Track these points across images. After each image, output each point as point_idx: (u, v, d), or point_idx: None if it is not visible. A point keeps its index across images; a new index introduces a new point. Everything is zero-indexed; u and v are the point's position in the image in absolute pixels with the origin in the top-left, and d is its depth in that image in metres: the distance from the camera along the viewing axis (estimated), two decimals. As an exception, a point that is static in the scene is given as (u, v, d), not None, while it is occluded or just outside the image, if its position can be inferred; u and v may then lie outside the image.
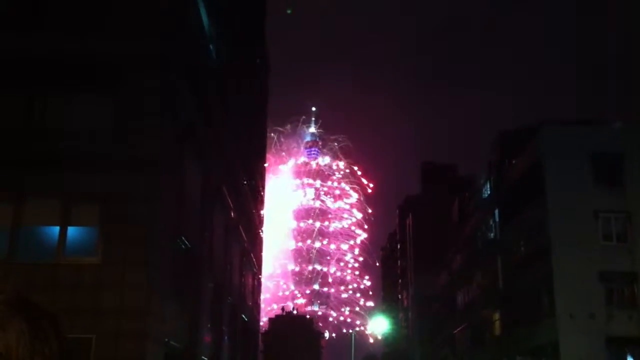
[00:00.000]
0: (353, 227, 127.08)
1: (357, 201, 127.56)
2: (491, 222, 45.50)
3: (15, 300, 1.08)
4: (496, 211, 43.89)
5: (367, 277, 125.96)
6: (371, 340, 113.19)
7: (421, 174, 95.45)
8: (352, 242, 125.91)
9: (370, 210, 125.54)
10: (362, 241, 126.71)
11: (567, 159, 33.82)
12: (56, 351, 1.08)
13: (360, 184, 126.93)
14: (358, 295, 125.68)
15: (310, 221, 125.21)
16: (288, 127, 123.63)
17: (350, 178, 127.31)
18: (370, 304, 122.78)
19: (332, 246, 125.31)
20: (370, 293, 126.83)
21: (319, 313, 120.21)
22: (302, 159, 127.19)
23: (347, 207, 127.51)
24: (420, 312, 75.78)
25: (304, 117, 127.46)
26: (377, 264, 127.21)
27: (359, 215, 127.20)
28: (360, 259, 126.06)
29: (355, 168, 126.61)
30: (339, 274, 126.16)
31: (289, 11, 35.78)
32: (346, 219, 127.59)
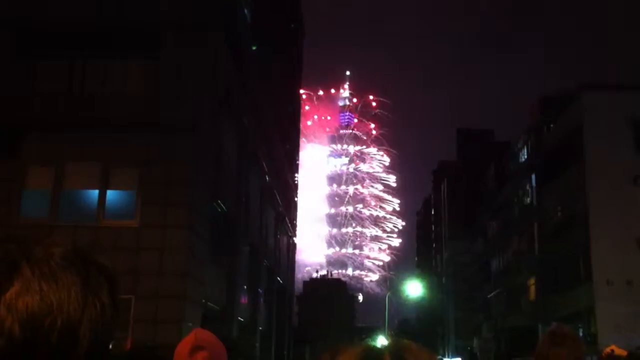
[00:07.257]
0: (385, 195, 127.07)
1: (389, 165, 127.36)
2: (528, 187, 44.99)
3: (72, 254, 1.10)
4: (533, 176, 43.35)
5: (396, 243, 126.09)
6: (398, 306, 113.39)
7: (457, 139, 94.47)
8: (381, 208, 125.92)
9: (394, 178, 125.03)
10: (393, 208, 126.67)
11: (607, 124, 33.14)
12: (107, 306, 1.09)
13: (393, 148, 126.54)
14: (388, 256, 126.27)
15: (344, 187, 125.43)
16: (321, 92, 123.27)
17: (382, 142, 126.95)
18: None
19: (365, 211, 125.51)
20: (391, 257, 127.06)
21: (352, 275, 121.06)
22: (333, 121, 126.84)
23: (380, 170, 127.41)
24: (455, 277, 75.70)
25: (337, 82, 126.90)
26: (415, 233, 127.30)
27: (392, 178, 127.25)
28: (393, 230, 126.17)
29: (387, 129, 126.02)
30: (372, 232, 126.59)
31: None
32: (380, 181, 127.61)
